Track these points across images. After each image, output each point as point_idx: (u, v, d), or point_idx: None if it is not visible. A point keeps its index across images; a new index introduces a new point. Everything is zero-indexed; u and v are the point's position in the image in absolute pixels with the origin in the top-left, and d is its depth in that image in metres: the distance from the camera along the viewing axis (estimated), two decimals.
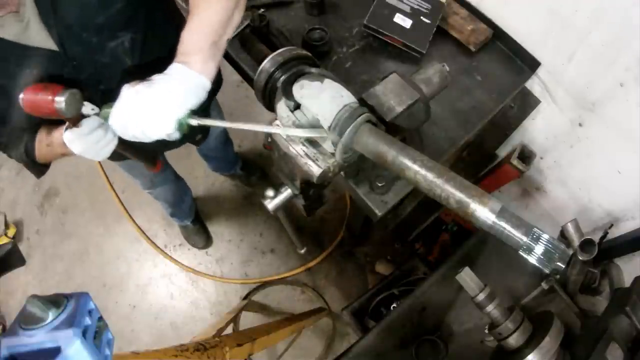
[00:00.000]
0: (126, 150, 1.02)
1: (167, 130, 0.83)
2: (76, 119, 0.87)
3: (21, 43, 0.88)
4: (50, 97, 0.79)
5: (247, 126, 0.87)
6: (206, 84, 0.86)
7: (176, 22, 1.16)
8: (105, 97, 1.03)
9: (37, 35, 0.89)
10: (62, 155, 1.01)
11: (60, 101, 0.80)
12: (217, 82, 1.48)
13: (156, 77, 0.84)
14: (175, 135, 0.85)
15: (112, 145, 0.93)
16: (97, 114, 0.88)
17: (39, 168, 1.11)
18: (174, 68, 0.85)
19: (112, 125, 0.85)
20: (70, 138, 0.88)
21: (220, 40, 0.89)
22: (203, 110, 0.91)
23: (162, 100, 0.81)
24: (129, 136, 0.86)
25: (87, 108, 0.87)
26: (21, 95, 0.81)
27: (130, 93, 0.82)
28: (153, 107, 0.81)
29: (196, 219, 2.50)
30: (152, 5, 1.05)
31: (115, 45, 0.99)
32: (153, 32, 1.06)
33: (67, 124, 0.88)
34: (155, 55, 1.09)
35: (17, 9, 0.84)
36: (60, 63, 0.95)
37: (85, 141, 0.88)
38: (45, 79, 0.93)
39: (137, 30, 1.02)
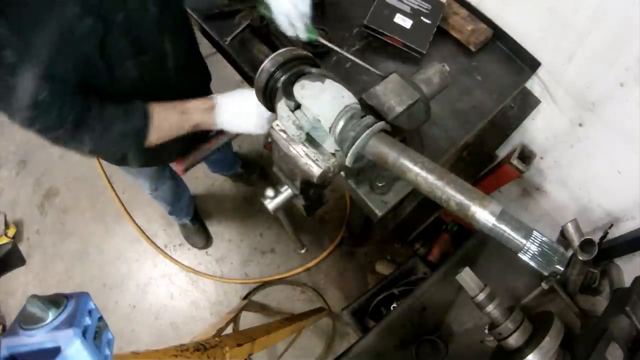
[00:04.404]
0: None
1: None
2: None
3: None
4: None
5: None
6: None
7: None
8: (134, 44, 1.04)
9: None
10: (189, 129, 1.09)
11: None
12: (207, 75, 1.52)
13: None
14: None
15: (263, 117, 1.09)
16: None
17: (140, 153, 1.13)
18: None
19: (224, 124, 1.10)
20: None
21: None
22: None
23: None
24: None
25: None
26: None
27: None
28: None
29: (196, 218, 2.49)
30: None
31: None
32: None
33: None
34: (175, 9, 1.15)
35: None
36: (97, 3, 0.95)
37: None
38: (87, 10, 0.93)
39: None
